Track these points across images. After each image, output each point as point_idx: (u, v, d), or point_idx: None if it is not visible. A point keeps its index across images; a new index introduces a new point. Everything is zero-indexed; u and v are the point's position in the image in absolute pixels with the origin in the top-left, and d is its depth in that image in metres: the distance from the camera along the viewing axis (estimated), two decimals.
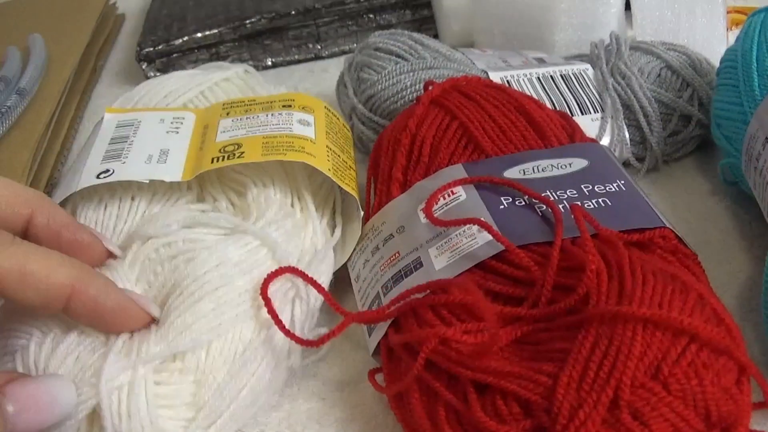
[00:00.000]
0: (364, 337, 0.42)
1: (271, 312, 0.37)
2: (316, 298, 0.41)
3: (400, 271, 0.41)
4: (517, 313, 0.35)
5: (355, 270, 0.45)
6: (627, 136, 0.52)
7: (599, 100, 0.53)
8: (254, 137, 0.45)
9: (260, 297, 0.38)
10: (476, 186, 0.42)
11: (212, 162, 0.44)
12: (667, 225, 0.39)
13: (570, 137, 0.45)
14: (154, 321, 0.37)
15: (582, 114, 0.52)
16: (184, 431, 0.35)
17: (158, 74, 0.71)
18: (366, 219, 0.46)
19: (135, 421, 0.34)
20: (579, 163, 0.43)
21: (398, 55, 0.54)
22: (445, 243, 0.40)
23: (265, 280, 0.38)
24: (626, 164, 0.53)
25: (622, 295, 0.33)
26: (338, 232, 0.46)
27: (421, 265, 0.40)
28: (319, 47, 0.73)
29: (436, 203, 0.42)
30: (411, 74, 0.52)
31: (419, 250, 0.41)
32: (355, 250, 0.45)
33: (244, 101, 0.50)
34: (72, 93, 0.72)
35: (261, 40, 0.72)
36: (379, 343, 0.40)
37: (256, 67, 0.72)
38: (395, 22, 0.72)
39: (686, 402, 0.30)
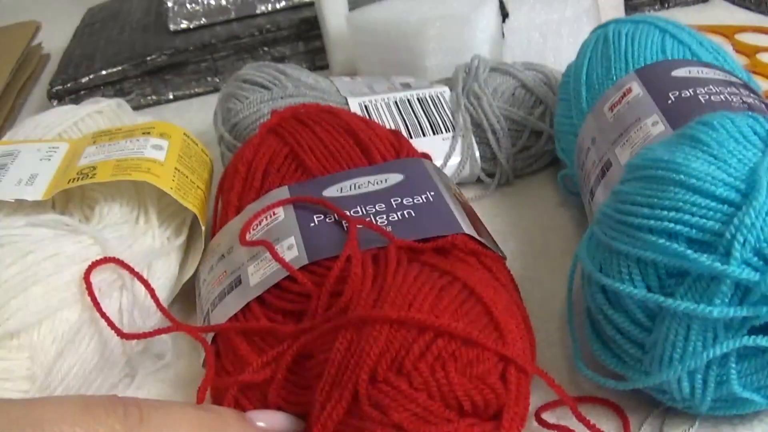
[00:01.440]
0: None
1: (91, 295, 0.41)
2: (147, 296, 0.44)
3: (224, 289, 0.43)
4: (301, 328, 0.37)
5: (197, 287, 0.47)
6: (477, 153, 0.54)
7: (452, 120, 0.55)
8: (109, 161, 0.49)
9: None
10: (295, 206, 0.44)
11: (68, 182, 0.47)
12: (466, 231, 0.41)
13: (397, 153, 0.48)
14: None
15: (434, 134, 0.54)
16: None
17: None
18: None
19: None
20: (394, 178, 0.45)
21: (262, 86, 0.57)
22: (260, 261, 0.42)
23: (89, 266, 0.41)
24: (479, 181, 0.55)
25: (379, 299, 0.35)
26: (179, 240, 0.49)
27: (240, 282, 0.42)
28: (218, 80, 0.76)
29: (259, 224, 0.44)
30: (270, 102, 0.55)
31: (240, 269, 0.43)
32: (199, 269, 0.48)
33: (111, 130, 0.53)
34: None
35: (162, 76, 0.75)
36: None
37: (159, 101, 0.75)
38: (289, 53, 0.75)
39: (431, 393, 0.32)
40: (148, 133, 0.52)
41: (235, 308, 0.41)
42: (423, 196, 0.43)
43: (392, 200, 0.43)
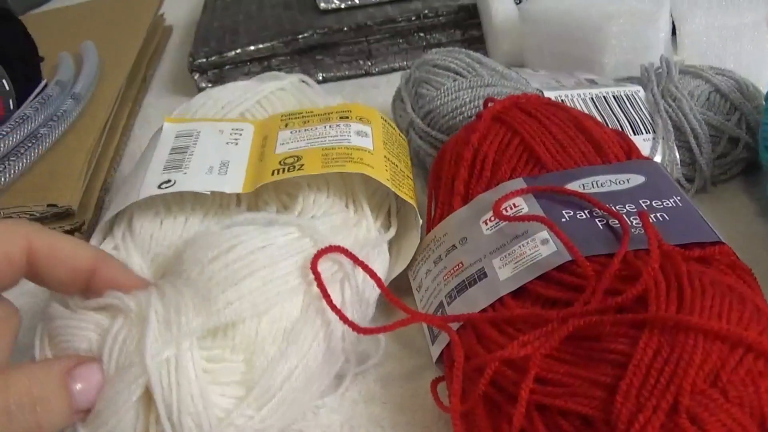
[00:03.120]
0: (425, 344, 0.43)
1: (321, 286, 0.38)
2: (368, 289, 0.42)
3: (464, 281, 0.42)
4: (571, 312, 0.36)
5: (417, 280, 0.46)
6: (677, 156, 0.53)
7: (651, 121, 0.54)
8: (313, 149, 0.46)
9: (308, 275, 0.39)
10: (537, 199, 0.43)
11: (273, 174, 0.45)
12: (724, 241, 0.40)
13: (627, 155, 0.47)
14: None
15: (635, 134, 0.53)
16: (236, 408, 0.36)
17: (210, 85, 0.74)
18: (428, 230, 0.48)
19: (185, 391, 0.35)
20: (636, 179, 0.44)
21: (456, 72, 0.56)
22: (509, 254, 0.41)
23: (315, 255, 0.39)
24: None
25: (682, 304, 0.34)
26: (393, 230, 0.47)
27: (486, 275, 0.41)
28: (370, 64, 0.74)
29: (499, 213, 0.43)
30: (469, 91, 0.54)
31: (482, 261, 0.42)
32: (416, 260, 0.47)
33: (302, 113, 0.51)
34: (124, 101, 0.74)
35: (312, 55, 0.74)
36: (441, 352, 0.41)
37: None
38: (445, 41, 0.74)
39: (743, 408, 0.31)
40: (347, 117, 0.50)
41: (486, 302, 0.40)
42: (671, 200, 0.43)
43: (641, 201, 0.42)
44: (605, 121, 0.54)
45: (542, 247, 0.40)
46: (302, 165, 0.45)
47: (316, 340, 0.39)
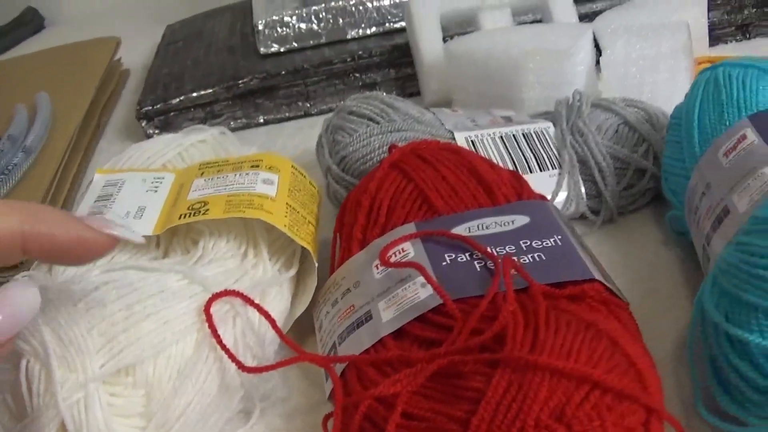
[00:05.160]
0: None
1: (211, 327, 0.42)
2: (263, 327, 0.46)
3: (353, 322, 0.44)
4: (437, 352, 0.38)
5: (318, 320, 0.48)
6: (583, 190, 0.55)
7: (558, 156, 0.56)
8: (220, 196, 0.49)
9: (202, 316, 0.42)
10: (424, 243, 0.45)
11: (180, 218, 0.48)
12: (597, 277, 0.42)
13: (518, 195, 0.49)
14: (118, 242, 0.38)
15: (541, 171, 0.55)
16: None
17: (158, 131, 0.76)
18: (331, 273, 0.49)
19: (93, 425, 0.39)
20: (521, 220, 0.46)
21: (370, 118, 0.58)
22: (393, 297, 0.43)
23: (210, 298, 0.43)
24: (582, 217, 0.56)
25: (536, 343, 0.36)
26: (292, 271, 0.50)
27: (371, 317, 0.43)
28: (308, 105, 0.77)
29: (388, 260, 0.45)
30: (380, 137, 0.56)
31: (370, 304, 0.44)
32: (319, 302, 0.49)
33: (218, 162, 0.54)
34: (75, 149, 0.76)
35: (253, 99, 0.76)
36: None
37: (249, 125, 0.76)
38: (380, 80, 0.76)
39: None
40: (257, 166, 0.52)
41: (369, 342, 0.42)
42: (551, 240, 0.44)
43: (521, 242, 0.44)
44: (513, 159, 0.56)
45: (421, 290, 0.42)
46: (207, 210, 0.48)
47: (209, 375, 0.43)
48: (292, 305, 0.50)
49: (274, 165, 0.53)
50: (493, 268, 0.42)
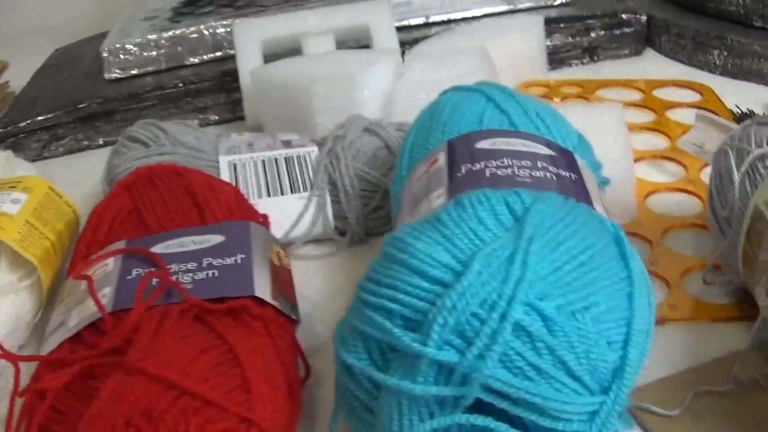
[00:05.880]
0: None
1: None
2: None
3: (54, 327, 0.47)
4: (85, 355, 0.42)
5: (51, 324, 0.52)
6: (330, 212, 0.58)
7: (312, 179, 0.59)
8: None
9: None
10: (124, 259, 0.48)
11: None
12: (257, 294, 0.45)
13: (232, 215, 0.51)
14: None
15: (292, 193, 0.58)
16: None
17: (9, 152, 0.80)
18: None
19: None
20: (216, 239, 0.49)
21: (143, 143, 0.61)
22: (81, 306, 0.46)
23: None
24: (331, 238, 0.59)
25: (149, 352, 0.39)
26: (26, 281, 0.54)
27: (63, 324, 0.46)
28: None
29: (94, 273, 0.48)
30: (144, 159, 0.59)
31: (67, 312, 0.47)
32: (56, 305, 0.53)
33: None
34: None
35: (93, 123, 0.80)
36: None
37: (90, 146, 0.80)
38: (211, 104, 0.80)
39: None
40: (14, 186, 0.57)
41: (54, 345, 0.45)
42: (232, 258, 0.47)
43: (204, 260, 0.47)
44: (267, 183, 0.59)
45: (104, 300, 0.45)
46: None
47: None
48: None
49: (29, 186, 0.57)
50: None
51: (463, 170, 0.45)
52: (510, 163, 0.45)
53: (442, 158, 0.47)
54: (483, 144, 0.48)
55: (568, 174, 0.46)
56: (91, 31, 1.03)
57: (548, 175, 0.45)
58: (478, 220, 0.39)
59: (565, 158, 0.48)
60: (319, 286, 0.56)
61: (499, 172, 0.44)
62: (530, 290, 0.35)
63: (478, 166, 0.45)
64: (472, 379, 0.34)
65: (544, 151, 0.48)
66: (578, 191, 0.45)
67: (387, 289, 0.37)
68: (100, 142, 0.81)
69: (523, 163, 0.45)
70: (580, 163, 0.49)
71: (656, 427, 0.44)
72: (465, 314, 0.35)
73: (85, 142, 0.81)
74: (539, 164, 0.46)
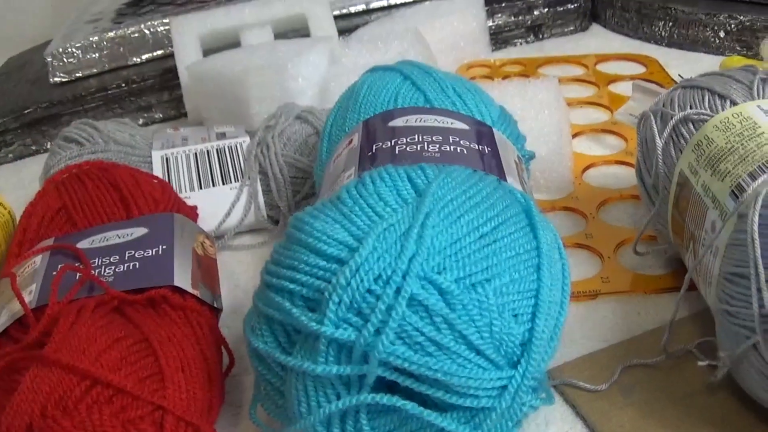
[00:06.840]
0: None
1: None
2: None
3: None
4: (11, 349, 0.42)
5: None
6: (262, 201, 0.58)
7: (242, 169, 0.59)
8: None
9: None
10: (52, 255, 0.49)
11: None
12: (176, 283, 0.45)
13: (157, 207, 0.52)
14: None
15: (223, 184, 0.59)
16: None
17: None
18: None
19: None
20: (139, 232, 0.49)
21: (78, 143, 0.61)
22: (9, 304, 0.47)
23: None
24: (264, 228, 0.59)
25: (65, 343, 0.40)
26: None
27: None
28: None
29: (23, 271, 0.49)
30: (77, 158, 0.60)
31: (0, 310, 0.48)
32: None
33: None
34: None
35: (39, 127, 0.80)
36: None
37: (38, 151, 0.81)
38: (154, 102, 0.80)
39: (86, 428, 0.37)
40: None
41: None
42: (154, 250, 0.48)
43: (126, 253, 0.48)
44: (199, 175, 0.59)
45: (28, 296, 0.46)
46: None
47: None
48: None
49: None
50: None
51: (374, 149, 0.46)
52: (420, 139, 0.45)
53: (356, 138, 0.48)
54: (396, 122, 0.48)
55: (480, 147, 0.46)
56: (47, 39, 1.04)
57: (458, 149, 0.45)
58: (378, 197, 0.40)
59: (480, 132, 0.48)
60: (252, 276, 0.57)
61: (408, 149, 0.45)
62: (426, 264, 0.36)
63: (388, 144, 0.46)
64: (372, 356, 0.34)
65: (459, 125, 0.48)
66: (490, 164, 0.45)
67: (287, 270, 0.38)
68: (48, 147, 0.81)
69: (434, 138, 0.46)
70: (500, 137, 0.50)
71: (583, 402, 0.43)
72: (360, 291, 0.35)
73: (34, 147, 0.81)
74: (450, 139, 0.46)
